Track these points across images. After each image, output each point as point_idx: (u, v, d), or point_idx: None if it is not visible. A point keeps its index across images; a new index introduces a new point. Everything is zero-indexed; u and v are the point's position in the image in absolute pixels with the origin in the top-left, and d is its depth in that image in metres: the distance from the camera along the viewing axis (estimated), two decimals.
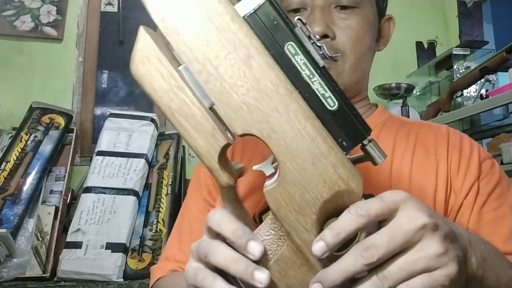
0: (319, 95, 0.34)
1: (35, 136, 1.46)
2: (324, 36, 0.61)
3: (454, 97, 1.77)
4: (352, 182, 0.35)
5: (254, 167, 0.38)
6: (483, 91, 1.60)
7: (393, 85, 1.99)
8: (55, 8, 2.05)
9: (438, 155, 0.62)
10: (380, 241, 0.33)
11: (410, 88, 2.03)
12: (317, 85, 0.34)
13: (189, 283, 0.38)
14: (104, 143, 1.53)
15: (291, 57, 0.34)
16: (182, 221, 0.69)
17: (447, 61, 2.03)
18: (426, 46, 2.27)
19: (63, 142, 1.53)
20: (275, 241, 0.37)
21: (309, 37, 0.34)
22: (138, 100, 2.17)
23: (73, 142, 1.54)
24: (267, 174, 0.37)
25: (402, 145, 0.64)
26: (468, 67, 1.90)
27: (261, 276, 0.34)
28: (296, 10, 0.64)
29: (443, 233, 0.34)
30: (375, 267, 0.34)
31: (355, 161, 0.37)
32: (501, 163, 1.40)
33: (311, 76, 0.34)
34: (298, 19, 0.34)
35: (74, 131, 1.57)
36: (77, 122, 1.82)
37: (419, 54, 2.26)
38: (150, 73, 0.33)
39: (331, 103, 0.35)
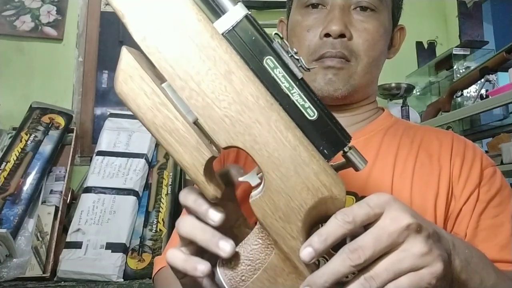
0: (299, 105, 0.35)
1: (35, 136, 1.46)
2: (341, 36, 0.61)
3: (454, 97, 1.77)
4: (335, 188, 0.36)
5: (240, 179, 0.39)
6: (483, 91, 1.60)
7: (393, 85, 1.99)
8: (55, 8, 2.05)
9: (441, 161, 0.62)
10: (366, 243, 0.34)
11: (410, 88, 2.03)
12: (297, 96, 0.35)
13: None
14: (104, 143, 1.53)
15: (270, 70, 0.35)
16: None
17: (447, 61, 2.03)
18: (426, 46, 2.27)
19: (63, 142, 1.53)
20: (263, 250, 0.38)
21: (287, 51, 0.35)
22: None
23: (73, 142, 1.54)
24: (253, 184, 0.38)
25: (406, 149, 0.64)
26: (468, 67, 1.90)
27: (225, 245, 0.36)
28: (315, 6, 0.64)
29: (427, 233, 0.35)
30: (362, 269, 0.34)
31: (337, 168, 0.38)
32: (501, 163, 1.40)
33: (290, 88, 0.35)
34: (276, 33, 0.35)
35: (74, 131, 1.57)
36: (77, 122, 1.82)
37: (419, 54, 2.26)
38: (133, 91, 0.34)
39: (311, 113, 0.36)
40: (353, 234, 0.35)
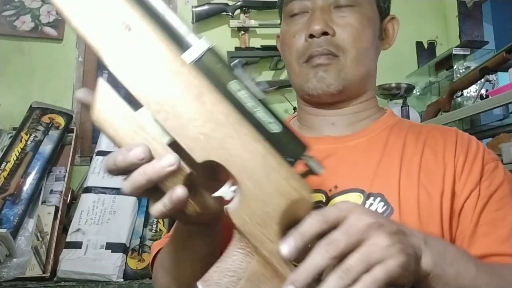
0: (263, 121, 0.40)
1: (35, 136, 1.46)
2: (325, 34, 0.64)
3: (454, 97, 1.77)
4: (304, 191, 0.40)
5: (214, 195, 0.42)
6: (483, 91, 1.60)
7: (393, 85, 1.98)
8: (55, 8, 2.04)
9: (446, 158, 0.63)
10: (339, 236, 0.38)
11: (410, 88, 2.02)
12: (261, 113, 0.39)
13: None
14: (104, 143, 1.53)
15: (235, 92, 0.39)
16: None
17: (447, 61, 2.03)
18: (426, 46, 2.27)
19: (63, 142, 1.53)
20: (244, 258, 0.40)
21: (249, 77, 0.40)
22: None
23: (73, 142, 1.54)
24: (227, 199, 0.41)
25: (411, 147, 0.64)
26: (468, 67, 1.90)
27: (169, 157, 0.37)
28: (298, 14, 0.68)
29: (388, 229, 0.40)
30: (337, 264, 0.38)
31: (302, 175, 0.42)
32: (501, 163, 1.40)
33: (254, 107, 0.39)
34: (239, 61, 0.39)
35: (74, 131, 1.57)
36: (77, 122, 1.82)
37: (419, 54, 2.26)
38: (111, 117, 0.37)
39: (275, 128, 0.40)
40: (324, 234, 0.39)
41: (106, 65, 0.37)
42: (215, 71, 0.39)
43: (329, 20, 0.65)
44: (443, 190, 0.60)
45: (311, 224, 0.39)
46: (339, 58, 0.64)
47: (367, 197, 0.60)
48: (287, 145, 0.41)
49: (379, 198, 0.60)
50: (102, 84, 0.38)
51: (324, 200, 0.62)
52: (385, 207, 0.59)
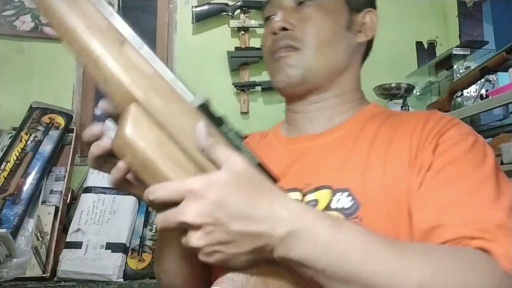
0: (247, 153, 0.47)
1: (35, 136, 1.46)
2: (284, 29, 0.68)
3: (454, 97, 1.77)
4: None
5: None
6: (483, 91, 1.60)
7: (393, 85, 1.98)
8: None
9: (412, 144, 0.60)
10: (159, 217, 0.44)
11: (410, 88, 2.03)
12: (244, 148, 0.48)
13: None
14: None
15: (226, 132, 0.48)
16: None
17: (447, 61, 2.03)
18: (426, 46, 2.27)
19: (63, 142, 1.53)
20: None
21: (234, 130, 0.49)
22: None
23: (73, 142, 1.54)
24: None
25: (382, 137, 0.63)
26: (468, 67, 1.90)
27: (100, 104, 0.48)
28: (269, 18, 0.72)
29: (204, 232, 0.41)
30: None
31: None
32: (501, 163, 1.40)
33: (239, 144, 0.48)
34: (223, 118, 0.48)
35: (74, 131, 1.57)
36: (77, 122, 1.82)
37: (419, 54, 2.26)
38: (143, 133, 0.44)
39: (254, 161, 0.47)
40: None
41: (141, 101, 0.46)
42: (210, 115, 0.48)
43: (289, 17, 0.68)
44: (410, 178, 0.57)
45: (161, 190, 0.43)
46: (299, 50, 0.67)
47: (334, 193, 0.60)
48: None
49: (346, 193, 0.59)
50: (135, 107, 0.44)
51: (300, 198, 0.63)
52: (352, 201, 0.58)
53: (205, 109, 0.47)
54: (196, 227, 0.41)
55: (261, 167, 0.47)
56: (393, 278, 0.42)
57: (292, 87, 0.68)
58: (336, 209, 0.59)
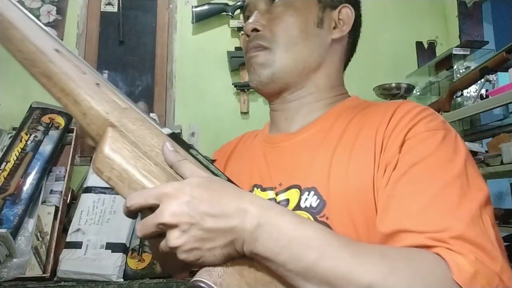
0: (216, 173, 0.51)
1: (35, 136, 1.46)
2: (255, 30, 0.69)
3: (454, 97, 1.77)
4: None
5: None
6: (483, 91, 1.60)
7: (393, 85, 1.99)
8: (55, 8, 2.05)
9: (377, 139, 0.58)
10: (138, 227, 0.46)
11: (410, 88, 2.03)
12: (213, 168, 0.52)
13: None
14: None
15: (195, 155, 0.52)
16: None
17: (447, 61, 2.03)
18: (426, 46, 2.27)
19: (63, 142, 1.53)
20: None
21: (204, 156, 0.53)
22: (138, 100, 2.17)
23: (73, 142, 1.54)
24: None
25: (351, 131, 0.62)
26: (468, 67, 1.90)
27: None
28: (247, 18, 0.73)
29: (183, 229, 0.43)
30: None
31: None
32: (501, 163, 1.40)
33: (208, 165, 0.52)
34: (192, 145, 0.53)
35: (74, 131, 1.57)
36: (77, 122, 1.82)
37: (419, 54, 2.26)
38: (119, 149, 0.49)
39: (224, 177, 0.51)
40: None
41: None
42: (180, 140, 0.53)
43: (261, 18, 0.69)
44: (374, 174, 0.56)
45: (138, 197, 0.46)
46: (269, 49, 0.68)
47: (302, 192, 0.61)
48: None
49: (312, 192, 0.60)
50: (110, 130, 0.50)
51: (274, 196, 0.64)
52: (318, 200, 0.59)
53: (175, 137, 0.52)
54: (173, 227, 0.44)
55: (230, 182, 0.51)
56: (347, 277, 0.43)
57: (263, 85, 0.69)
58: (306, 208, 0.59)
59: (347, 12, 0.72)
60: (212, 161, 0.53)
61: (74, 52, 0.55)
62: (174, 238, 0.44)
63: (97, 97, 0.51)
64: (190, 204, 0.44)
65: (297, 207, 0.60)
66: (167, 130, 0.53)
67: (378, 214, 0.54)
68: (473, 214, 0.48)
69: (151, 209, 0.46)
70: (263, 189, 0.67)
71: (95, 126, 0.51)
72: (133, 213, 0.47)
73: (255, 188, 0.68)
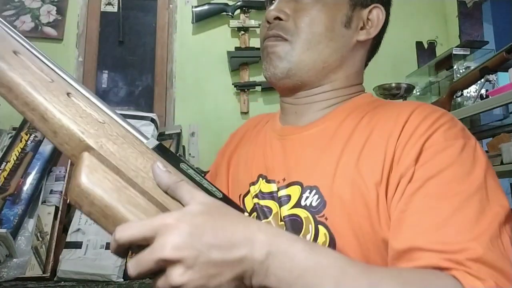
0: (209, 190, 0.47)
1: (35, 136, 1.46)
2: (278, 19, 0.65)
3: (454, 97, 1.77)
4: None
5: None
6: (483, 91, 1.60)
7: (393, 85, 1.99)
8: (55, 8, 2.05)
9: (390, 141, 0.55)
10: (130, 265, 0.40)
11: (410, 88, 2.03)
12: (206, 184, 0.47)
13: None
14: None
15: (185, 170, 0.47)
16: None
17: (447, 61, 2.03)
18: (426, 46, 2.27)
19: None
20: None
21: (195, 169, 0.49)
22: (138, 100, 2.17)
23: None
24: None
25: (360, 132, 0.60)
26: (468, 67, 1.90)
27: None
28: (271, 2, 0.69)
29: (187, 265, 0.38)
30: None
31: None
32: (501, 163, 1.40)
33: (200, 180, 0.47)
34: (181, 156, 0.45)
35: None
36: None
37: (419, 54, 2.26)
38: (99, 180, 0.42)
39: (218, 194, 0.47)
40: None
41: (93, 147, 0.44)
42: (168, 156, 0.47)
43: (285, 7, 0.65)
44: (381, 179, 0.53)
45: (130, 228, 0.40)
46: (288, 41, 0.64)
47: (304, 190, 0.59)
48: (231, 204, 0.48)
49: (314, 191, 0.58)
50: (88, 156, 0.43)
51: (276, 189, 0.63)
52: (319, 200, 0.57)
53: (161, 149, 0.46)
54: (176, 262, 0.38)
55: (226, 199, 0.47)
56: None
57: (277, 79, 0.65)
58: (305, 206, 0.58)
59: (377, 13, 0.67)
60: (204, 174, 0.49)
61: (39, 51, 0.46)
62: (178, 275, 0.37)
63: (68, 112, 0.43)
64: (194, 234, 0.38)
65: (298, 204, 0.59)
66: (152, 142, 0.46)
67: (391, 229, 0.51)
68: (492, 233, 0.46)
69: (140, 246, 0.40)
70: (268, 181, 0.65)
71: (69, 147, 0.43)
72: (123, 248, 0.41)
73: (260, 179, 0.67)
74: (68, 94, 0.44)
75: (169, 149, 0.48)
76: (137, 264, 0.39)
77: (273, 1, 0.69)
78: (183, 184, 0.44)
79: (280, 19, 0.65)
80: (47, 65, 0.45)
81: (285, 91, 0.68)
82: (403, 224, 0.49)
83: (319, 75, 0.65)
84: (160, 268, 0.39)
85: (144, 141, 0.46)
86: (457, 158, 0.51)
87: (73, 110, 0.43)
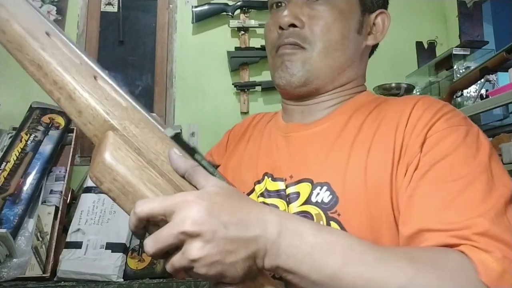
0: (221, 180, 0.47)
1: (35, 136, 1.46)
2: (293, 26, 0.64)
3: (454, 97, 1.77)
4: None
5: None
6: (483, 91, 1.60)
7: (393, 85, 1.99)
8: (55, 8, 2.05)
9: (397, 133, 0.57)
10: (147, 242, 0.41)
11: (410, 88, 2.03)
12: (218, 176, 0.47)
13: None
14: None
15: (199, 161, 0.47)
16: None
17: (447, 61, 2.03)
18: (426, 46, 2.27)
19: (63, 142, 1.53)
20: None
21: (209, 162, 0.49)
22: (138, 100, 2.17)
23: (73, 142, 1.54)
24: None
25: (368, 127, 0.61)
26: (468, 67, 1.90)
27: None
28: (278, 5, 0.69)
29: (205, 239, 0.39)
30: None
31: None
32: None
33: (213, 172, 0.47)
34: (195, 148, 0.48)
35: (74, 131, 1.57)
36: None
37: (419, 54, 2.26)
38: (123, 158, 0.44)
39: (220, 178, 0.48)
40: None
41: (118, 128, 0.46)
42: (184, 146, 0.48)
43: (299, 13, 0.64)
44: (392, 172, 0.55)
45: (151, 202, 0.41)
46: (306, 50, 0.64)
47: (314, 186, 0.59)
48: None
49: (325, 187, 0.58)
50: (112, 135, 0.45)
51: (284, 187, 0.63)
52: (331, 196, 0.57)
53: (178, 139, 0.48)
54: (195, 236, 0.39)
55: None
56: (373, 283, 0.42)
57: (292, 87, 0.65)
58: (316, 203, 0.58)
59: (383, 19, 0.69)
60: (216, 167, 0.49)
61: (68, 37, 0.47)
62: (196, 249, 0.39)
63: (95, 94, 0.45)
64: (212, 211, 0.40)
65: (308, 201, 0.59)
66: (170, 132, 0.48)
67: (400, 216, 0.53)
68: (497, 210, 0.47)
69: (156, 225, 0.41)
70: (274, 179, 0.65)
71: (92, 127, 0.45)
72: (142, 224, 0.42)
73: (266, 177, 0.66)
74: (95, 77, 0.46)
75: (185, 140, 0.49)
76: (155, 240, 0.40)
77: (280, 4, 0.68)
78: (200, 169, 0.45)
79: (295, 25, 0.64)
80: (75, 47, 0.47)
81: (297, 97, 0.68)
82: (411, 209, 0.51)
83: (334, 81, 0.67)
84: (178, 245, 0.40)
85: (162, 130, 0.48)
86: (461, 143, 0.53)
87: (100, 92, 0.46)
